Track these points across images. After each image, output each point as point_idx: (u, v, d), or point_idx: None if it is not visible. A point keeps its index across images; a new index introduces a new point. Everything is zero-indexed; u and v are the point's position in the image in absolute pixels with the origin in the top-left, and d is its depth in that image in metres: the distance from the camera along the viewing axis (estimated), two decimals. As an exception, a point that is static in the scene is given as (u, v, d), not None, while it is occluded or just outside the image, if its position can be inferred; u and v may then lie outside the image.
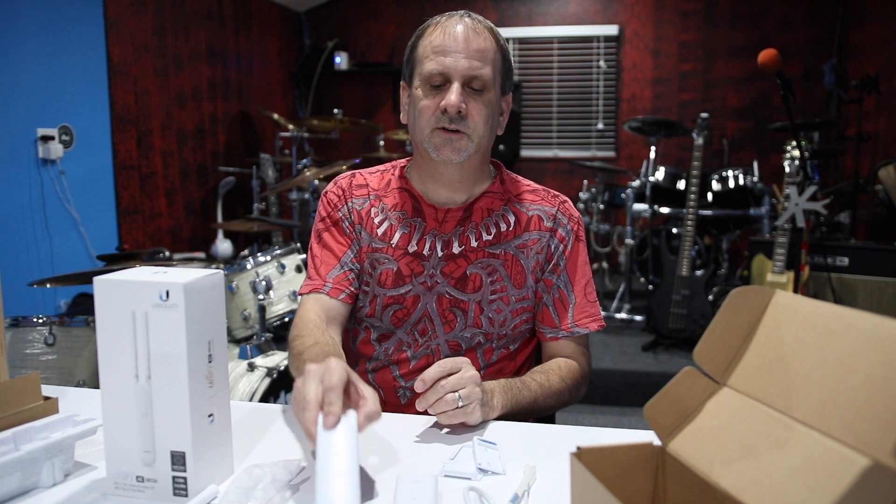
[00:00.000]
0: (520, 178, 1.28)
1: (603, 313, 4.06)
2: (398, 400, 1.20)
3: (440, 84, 1.10)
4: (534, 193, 1.25)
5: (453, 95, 1.08)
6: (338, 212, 1.23)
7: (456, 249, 1.18)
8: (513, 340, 1.23)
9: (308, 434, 0.78)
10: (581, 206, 4.59)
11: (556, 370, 1.15)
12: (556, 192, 1.27)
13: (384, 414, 1.11)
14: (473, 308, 1.18)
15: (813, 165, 3.91)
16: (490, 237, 1.19)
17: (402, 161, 1.28)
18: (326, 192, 1.26)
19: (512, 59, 1.20)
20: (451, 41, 1.10)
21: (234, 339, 2.37)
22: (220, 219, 4.68)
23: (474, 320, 1.18)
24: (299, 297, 1.24)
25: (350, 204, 1.23)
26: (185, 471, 0.80)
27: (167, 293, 0.77)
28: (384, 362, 1.20)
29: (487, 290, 1.18)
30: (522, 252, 1.20)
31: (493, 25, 1.17)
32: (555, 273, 1.21)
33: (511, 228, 1.20)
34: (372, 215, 1.22)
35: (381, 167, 1.29)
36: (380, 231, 1.21)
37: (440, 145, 1.11)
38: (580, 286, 1.22)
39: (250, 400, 2.07)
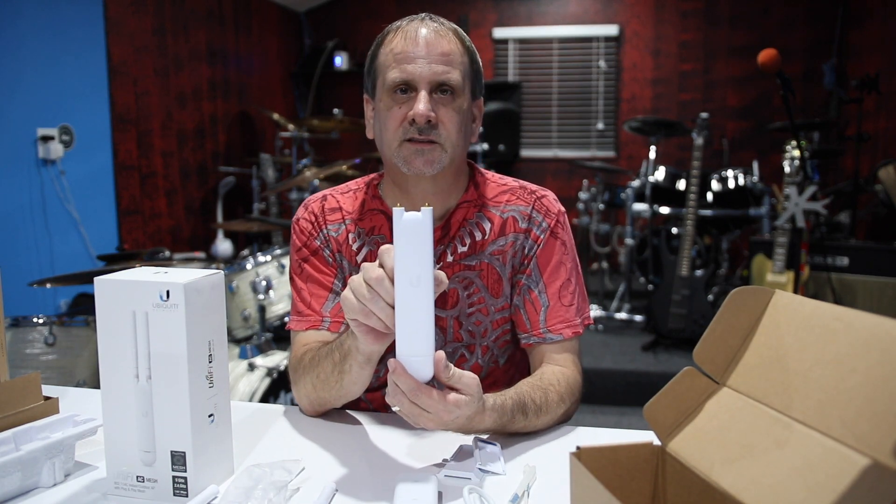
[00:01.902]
0: (495, 177, 1.19)
1: (603, 313, 4.10)
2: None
3: (405, 92, 1.03)
4: (509, 193, 1.16)
5: (421, 104, 1.01)
6: (314, 240, 1.16)
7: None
8: (500, 354, 1.17)
9: (383, 312, 0.79)
10: (581, 205, 4.59)
11: (555, 386, 1.05)
12: (535, 188, 1.17)
13: (384, 415, 1.11)
14: (452, 324, 1.13)
15: (813, 165, 3.91)
16: (465, 248, 1.12)
17: (374, 176, 1.20)
18: (298, 220, 1.18)
19: (480, 60, 1.13)
20: (413, 46, 1.03)
21: (234, 339, 2.38)
22: (220, 219, 4.68)
23: (454, 335, 1.13)
24: (292, 333, 1.16)
25: (325, 231, 1.16)
26: (185, 471, 0.80)
27: (167, 293, 0.77)
28: (374, 384, 1.16)
29: (465, 304, 1.13)
30: (498, 259, 1.13)
31: (457, 27, 1.10)
32: (524, 273, 1.13)
33: (486, 236, 1.13)
34: (350, 241, 1.15)
35: (352, 185, 1.21)
36: (359, 258, 1.14)
37: (410, 158, 1.04)
38: (554, 288, 1.12)
39: (250, 400, 2.07)
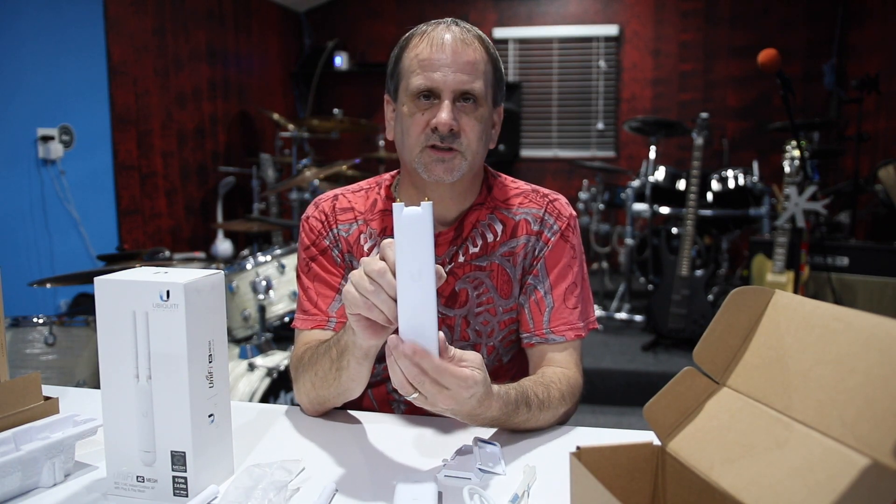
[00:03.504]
0: (508, 180, 1.20)
1: (603, 313, 4.09)
2: (392, 411, 1.19)
3: (428, 98, 1.04)
4: (522, 196, 1.17)
5: (444, 113, 1.01)
6: (323, 239, 1.16)
7: (446, 268, 1.13)
8: (504, 353, 1.18)
9: (384, 302, 0.79)
10: (581, 205, 4.59)
11: (556, 384, 1.05)
12: (548, 192, 1.19)
13: (384, 415, 1.11)
14: (459, 323, 1.14)
15: (813, 165, 3.91)
16: (476, 249, 1.13)
17: (387, 176, 1.20)
18: (308, 218, 1.17)
19: (503, 68, 1.13)
20: (439, 53, 1.03)
21: (234, 339, 2.38)
22: (220, 219, 4.68)
23: (461, 334, 1.14)
24: (296, 331, 1.16)
25: (336, 231, 1.16)
26: (185, 471, 0.80)
27: (167, 293, 0.77)
28: (379, 378, 1.18)
29: (473, 304, 1.14)
30: (509, 260, 1.14)
31: (482, 34, 1.10)
32: (531, 274, 1.14)
33: (498, 238, 1.14)
34: (361, 242, 1.16)
35: (364, 185, 1.21)
36: None
37: (431, 165, 1.04)
38: (560, 290, 1.13)
39: (250, 400, 2.07)
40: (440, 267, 0.80)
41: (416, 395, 0.81)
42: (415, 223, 0.76)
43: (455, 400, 0.81)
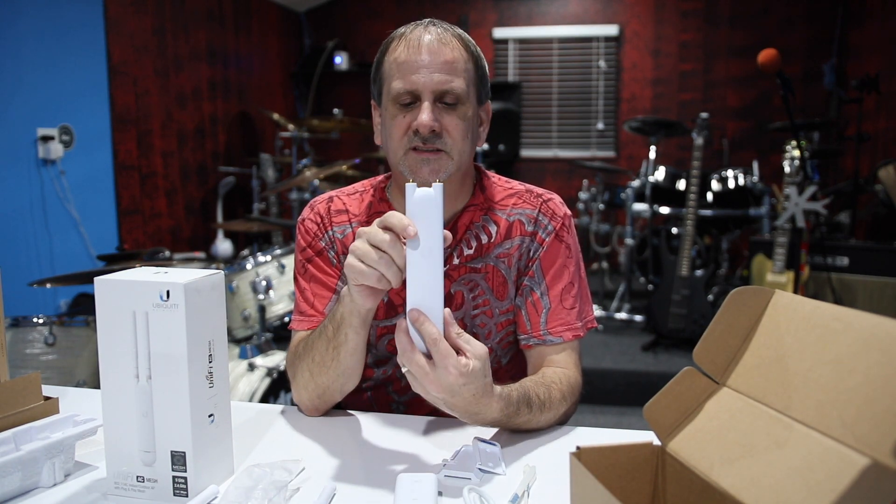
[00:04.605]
0: (501, 180, 1.19)
1: (603, 313, 4.10)
2: (392, 412, 1.19)
3: (410, 102, 1.03)
4: (516, 196, 1.16)
5: (424, 114, 1.01)
6: (319, 241, 1.16)
7: None
8: (503, 354, 1.17)
9: (393, 273, 0.84)
10: (581, 205, 4.59)
11: (557, 384, 1.05)
12: (542, 192, 1.18)
13: (384, 415, 1.11)
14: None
15: (813, 165, 3.91)
16: (471, 251, 1.13)
17: (380, 178, 1.21)
18: (304, 220, 1.18)
19: (486, 64, 1.12)
20: (417, 55, 1.02)
21: (234, 339, 2.38)
22: (220, 219, 4.68)
23: None
24: (293, 333, 1.16)
25: (331, 233, 1.16)
26: (185, 471, 0.80)
27: (167, 293, 0.77)
28: (379, 382, 1.18)
29: (469, 307, 1.13)
30: (503, 262, 1.13)
31: (462, 32, 1.08)
32: (527, 275, 1.13)
33: (492, 239, 1.13)
34: None
35: (358, 187, 1.21)
36: None
37: (416, 167, 1.04)
38: (556, 291, 1.12)
39: (250, 400, 2.07)
40: (448, 232, 0.83)
41: (408, 367, 0.83)
42: (427, 203, 0.80)
43: (443, 385, 0.81)
